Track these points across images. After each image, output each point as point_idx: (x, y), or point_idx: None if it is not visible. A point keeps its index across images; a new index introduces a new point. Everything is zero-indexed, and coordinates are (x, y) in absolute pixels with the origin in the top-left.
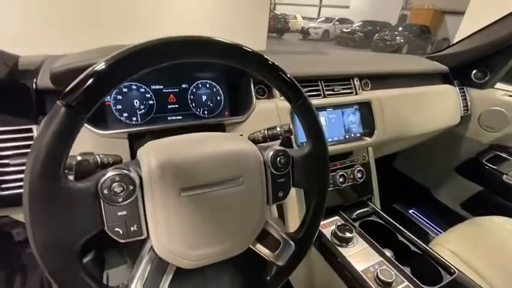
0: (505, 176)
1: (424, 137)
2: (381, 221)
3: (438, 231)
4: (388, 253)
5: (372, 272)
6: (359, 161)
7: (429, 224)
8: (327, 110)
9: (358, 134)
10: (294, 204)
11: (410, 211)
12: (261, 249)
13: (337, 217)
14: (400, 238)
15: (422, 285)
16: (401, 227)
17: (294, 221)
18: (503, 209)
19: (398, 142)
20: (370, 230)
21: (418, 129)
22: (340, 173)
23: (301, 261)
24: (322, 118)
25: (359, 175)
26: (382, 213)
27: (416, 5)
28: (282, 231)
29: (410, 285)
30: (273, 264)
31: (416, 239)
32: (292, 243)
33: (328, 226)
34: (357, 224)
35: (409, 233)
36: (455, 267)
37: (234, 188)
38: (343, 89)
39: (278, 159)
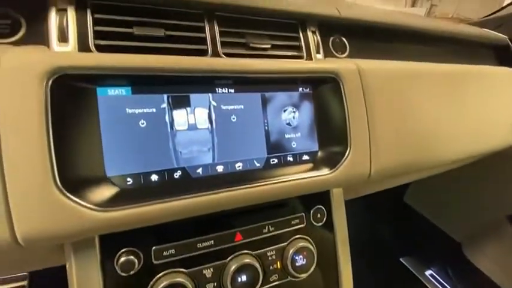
0: None
1: (460, 162)
2: None
3: None
4: None
5: None
6: (301, 224)
7: None
8: (223, 90)
9: (305, 156)
10: None
11: (428, 273)
12: None
13: None
14: None
15: None
16: None
17: None
18: None
19: (404, 176)
20: None
21: (449, 150)
22: (245, 260)
23: None
24: (203, 112)
25: (300, 261)
26: None
27: (440, 14)
28: None
29: None
30: None
31: None
32: None
33: None
34: None
35: None
36: None
37: None
38: (275, 46)
39: None
